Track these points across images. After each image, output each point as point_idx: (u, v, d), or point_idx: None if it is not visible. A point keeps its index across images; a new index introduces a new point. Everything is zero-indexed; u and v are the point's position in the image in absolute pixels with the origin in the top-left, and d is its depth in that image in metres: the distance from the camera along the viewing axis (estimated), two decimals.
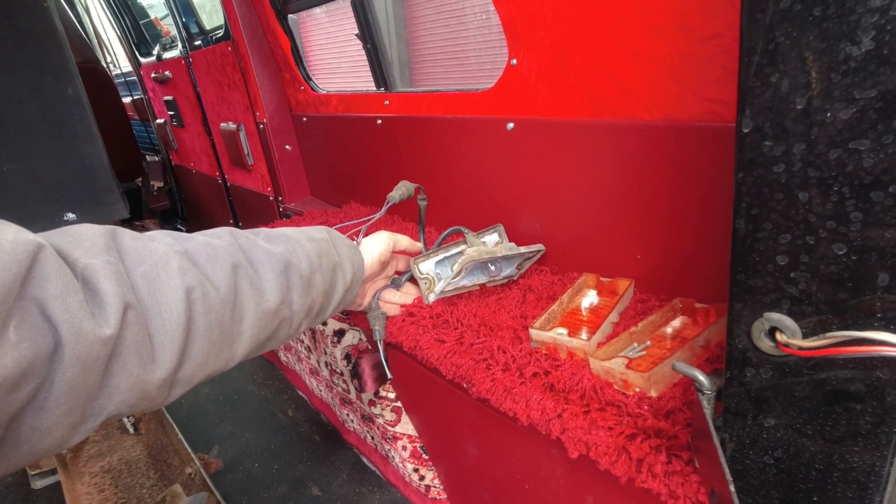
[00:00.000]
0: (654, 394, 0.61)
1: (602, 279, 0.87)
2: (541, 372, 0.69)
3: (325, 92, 1.50)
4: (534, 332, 0.75)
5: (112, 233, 0.47)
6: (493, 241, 0.96)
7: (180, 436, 1.36)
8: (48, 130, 1.73)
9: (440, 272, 0.91)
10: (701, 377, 0.44)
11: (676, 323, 0.74)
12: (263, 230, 0.66)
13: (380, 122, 1.29)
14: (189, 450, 1.30)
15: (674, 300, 0.76)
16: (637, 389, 0.62)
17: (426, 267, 0.90)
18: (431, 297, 0.88)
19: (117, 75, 3.32)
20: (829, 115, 0.30)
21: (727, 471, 0.40)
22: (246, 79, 1.66)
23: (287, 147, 1.72)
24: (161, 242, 0.50)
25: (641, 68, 0.71)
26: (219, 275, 0.52)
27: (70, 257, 0.41)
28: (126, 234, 0.48)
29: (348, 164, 1.51)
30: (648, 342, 0.70)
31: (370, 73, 1.32)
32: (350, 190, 1.56)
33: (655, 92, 0.71)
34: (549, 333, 0.73)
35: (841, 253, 0.32)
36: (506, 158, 0.98)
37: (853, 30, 0.28)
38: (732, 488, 0.40)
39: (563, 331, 0.74)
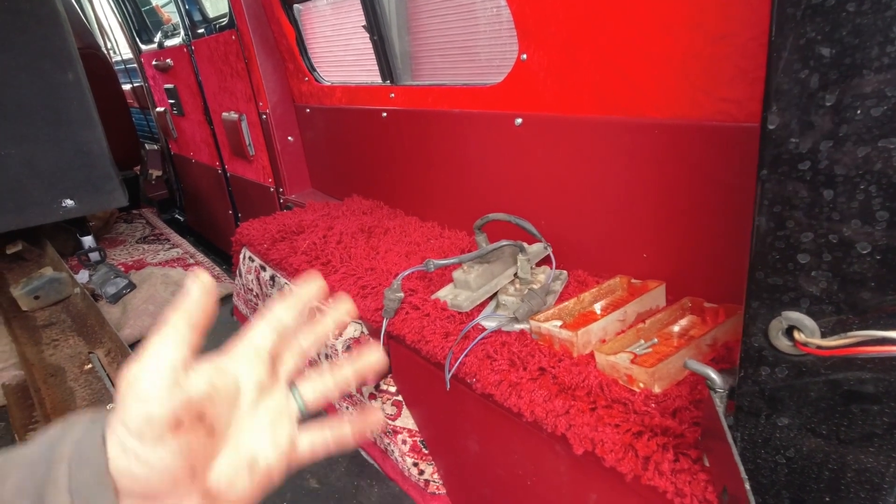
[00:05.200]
0: (657, 390, 0.61)
1: (633, 281, 0.84)
2: (546, 367, 0.69)
3: (329, 83, 1.49)
4: (533, 324, 0.76)
5: None
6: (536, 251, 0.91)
7: None
8: (47, 116, 1.70)
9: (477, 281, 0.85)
10: (714, 375, 0.44)
11: (684, 321, 0.73)
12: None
13: (385, 115, 1.28)
14: None
15: (683, 299, 0.76)
16: (641, 385, 0.62)
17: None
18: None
19: (117, 62, 3.28)
20: (859, 112, 0.30)
21: (742, 470, 0.40)
22: (249, 68, 1.65)
23: (289, 138, 1.71)
24: None
25: (652, 66, 0.71)
26: None
27: None
28: None
29: (351, 156, 1.50)
30: (655, 339, 0.70)
31: (375, 66, 1.31)
32: (352, 183, 1.55)
33: (666, 90, 0.71)
34: (546, 325, 0.74)
35: (865, 252, 0.32)
36: (513, 154, 0.98)
37: (888, 25, 0.28)
38: (748, 486, 0.40)
39: (557, 323, 0.75)
